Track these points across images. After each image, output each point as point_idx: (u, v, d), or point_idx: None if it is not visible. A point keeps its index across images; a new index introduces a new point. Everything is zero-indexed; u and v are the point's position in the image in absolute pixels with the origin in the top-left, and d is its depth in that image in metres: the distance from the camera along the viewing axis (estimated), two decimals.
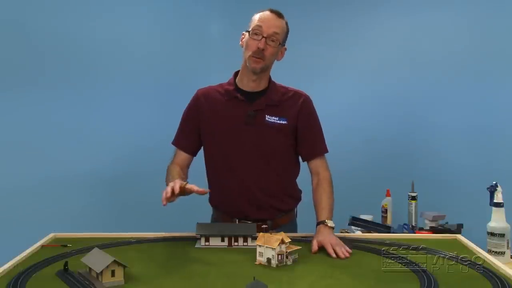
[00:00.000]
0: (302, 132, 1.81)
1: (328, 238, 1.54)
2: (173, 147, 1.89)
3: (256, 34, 1.71)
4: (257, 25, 1.72)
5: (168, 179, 1.72)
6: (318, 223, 1.65)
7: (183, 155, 1.86)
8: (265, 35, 1.70)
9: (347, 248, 1.50)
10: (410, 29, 2.79)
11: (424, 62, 2.76)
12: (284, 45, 1.80)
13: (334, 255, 1.47)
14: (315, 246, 1.52)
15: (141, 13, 2.78)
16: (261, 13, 1.75)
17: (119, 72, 2.70)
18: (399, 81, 2.78)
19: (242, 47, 1.78)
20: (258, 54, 1.71)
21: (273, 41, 1.72)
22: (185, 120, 1.87)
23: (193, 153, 1.88)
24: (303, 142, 1.82)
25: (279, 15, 1.76)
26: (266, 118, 1.76)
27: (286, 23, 1.79)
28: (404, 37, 2.80)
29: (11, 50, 2.59)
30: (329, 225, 1.61)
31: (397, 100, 2.80)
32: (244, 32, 1.78)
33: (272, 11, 1.75)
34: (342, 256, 1.46)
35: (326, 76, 2.81)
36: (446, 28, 2.74)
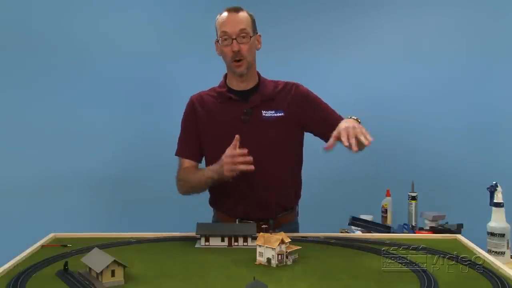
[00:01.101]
0: (315, 116, 1.80)
1: (350, 123, 1.50)
2: (176, 158, 1.87)
3: (225, 39, 1.73)
4: (222, 31, 1.73)
5: (197, 175, 1.76)
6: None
7: (189, 164, 1.84)
8: (234, 37, 1.71)
9: (368, 136, 1.46)
10: (410, 28, 2.79)
11: (424, 61, 2.76)
12: (256, 33, 1.80)
13: (346, 143, 1.44)
14: (330, 141, 1.48)
15: (141, 13, 2.78)
16: (220, 18, 1.76)
17: (118, 71, 2.70)
18: (399, 81, 2.78)
19: (220, 55, 1.80)
20: (236, 56, 1.72)
21: (243, 37, 1.72)
22: (185, 128, 1.87)
23: (199, 160, 1.87)
24: (322, 123, 1.78)
25: (237, 10, 1.75)
26: (263, 114, 1.77)
27: (248, 12, 1.78)
28: (404, 36, 2.80)
29: (9, 50, 2.59)
30: (353, 117, 1.59)
31: (397, 99, 2.80)
32: (216, 42, 1.80)
33: (229, 10, 1.75)
34: (366, 142, 1.44)
35: (326, 76, 2.81)
36: (446, 28, 2.74)
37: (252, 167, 1.56)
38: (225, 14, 1.75)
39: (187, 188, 1.83)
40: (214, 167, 1.67)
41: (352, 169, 2.78)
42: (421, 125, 2.80)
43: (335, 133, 1.50)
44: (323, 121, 1.79)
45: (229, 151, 1.60)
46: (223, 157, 1.60)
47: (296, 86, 1.84)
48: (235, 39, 1.71)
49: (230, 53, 1.73)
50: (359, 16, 2.84)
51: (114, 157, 2.70)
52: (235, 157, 1.57)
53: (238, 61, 1.73)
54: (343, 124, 1.51)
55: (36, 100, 2.62)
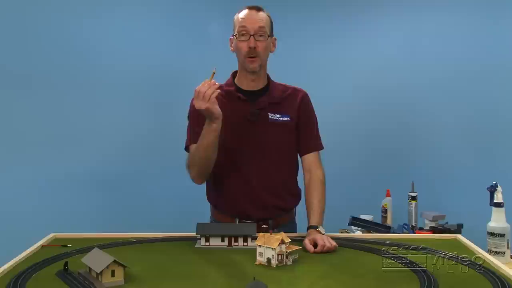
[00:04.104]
0: (299, 127, 1.82)
1: (319, 236, 1.56)
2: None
3: (243, 35, 1.72)
4: (241, 26, 1.72)
5: (199, 142, 1.69)
6: (310, 227, 1.66)
7: None
8: (252, 33, 1.70)
9: (334, 243, 1.52)
10: (412, 28, 2.79)
11: (424, 62, 2.77)
12: (272, 35, 1.80)
13: (316, 250, 1.49)
14: (309, 245, 1.52)
15: (140, 13, 2.78)
16: (240, 13, 1.75)
17: (118, 72, 2.70)
18: (400, 81, 2.79)
19: (234, 51, 1.79)
20: (252, 53, 1.71)
21: (261, 36, 1.72)
22: (194, 120, 1.82)
23: None
24: (299, 136, 1.83)
25: (258, 9, 1.75)
26: (269, 116, 1.77)
27: (268, 14, 1.78)
28: (405, 36, 2.80)
29: (8, 51, 2.59)
30: (321, 232, 1.62)
31: (397, 100, 2.80)
32: (231, 37, 1.79)
33: (250, 7, 1.75)
34: (325, 248, 1.49)
35: (326, 75, 2.81)
36: (447, 28, 2.75)
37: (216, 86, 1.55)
38: (245, 10, 1.75)
39: (198, 165, 1.73)
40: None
41: (352, 169, 2.79)
42: (421, 125, 2.80)
43: (309, 239, 1.55)
44: (302, 139, 1.83)
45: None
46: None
47: (303, 95, 1.85)
48: (253, 35, 1.71)
49: (246, 48, 1.71)
50: (360, 15, 2.85)
51: (114, 157, 2.70)
52: (199, 94, 1.54)
53: (253, 57, 1.72)
54: (315, 236, 1.56)
55: (36, 100, 2.62)
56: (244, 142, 1.75)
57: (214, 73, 1.57)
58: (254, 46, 1.70)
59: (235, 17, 1.76)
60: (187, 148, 1.82)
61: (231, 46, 1.80)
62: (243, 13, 1.75)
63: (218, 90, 1.57)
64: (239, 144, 1.75)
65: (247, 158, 1.76)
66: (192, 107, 1.85)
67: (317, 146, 1.85)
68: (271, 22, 1.79)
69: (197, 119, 1.80)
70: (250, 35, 1.70)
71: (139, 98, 2.75)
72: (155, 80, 2.78)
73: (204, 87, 1.56)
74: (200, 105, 1.56)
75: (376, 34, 2.83)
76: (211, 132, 1.63)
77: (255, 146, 1.76)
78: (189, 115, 1.85)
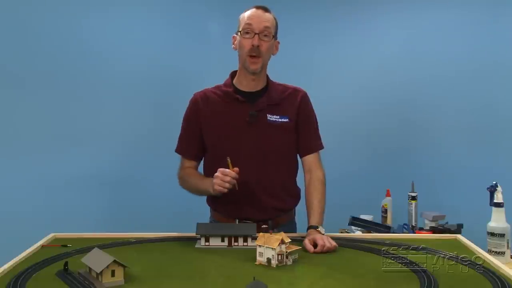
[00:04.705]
0: (299, 127, 1.82)
1: (319, 236, 1.56)
2: (177, 154, 1.88)
3: (247, 32, 1.71)
4: (247, 23, 1.71)
5: (197, 181, 1.80)
6: (310, 227, 1.66)
7: (189, 163, 1.86)
8: (257, 32, 1.70)
9: (334, 243, 1.52)
10: (411, 28, 2.79)
11: (424, 62, 2.77)
12: (276, 38, 1.80)
13: (317, 250, 1.49)
14: (308, 245, 1.52)
15: (140, 13, 2.78)
16: (248, 12, 1.75)
17: (118, 72, 2.70)
18: (400, 81, 2.79)
19: (236, 49, 1.78)
20: (254, 51, 1.71)
21: (266, 35, 1.72)
22: (186, 126, 1.85)
23: (199, 159, 1.87)
24: (298, 137, 1.83)
25: (265, 10, 1.75)
26: (268, 118, 1.77)
27: (274, 17, 1.78)
28: (405, 36, 2.80)
29: (10, 51, 2.58)
30: (321, 232, 1.62)
31: (397, 100, 2.80)
32: (234, 35, 1.78)
33: (258, 7, 1.75)
34: (325, 248, 1.49)
35: (327, 75, 2.81)
36: (447, 28, 2.75)
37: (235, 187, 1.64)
38: (253, 9, 1.75)
39: (186, 188, 1.85)
40: (210, 181, 1.68)
41: (352, 169, 2.79)
42: (421, 125, 2.80)
43: (309, 239, 1.55)
44: (303, 139, 1.84)
45: (222, 169, 1.64)
46: (217, 172, 1.64)
47: (303, 95, 1.84)
48: (258, 34, 1.70)
49: (249, 46, 1.70)
50: (359, 14, 2.85)
51: (114, 157, 2.70)
52: (226, 176, 1.61)
53: (255, 57, 1.72)
54: (315, 236, 1.56)
55: (35, 100, 2.61)
56: (243, 144, 1.75)
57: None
58: (258, 45, 1.70)
59: (241, 15, 1.76)
60: (178, 153, 1.88)
61: (233, 44, 1.79)
62: (250, 11, 1.75)
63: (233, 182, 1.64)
64: (238, 146, 1.75)
65: (246, 160, 1.75)
66: (188, 109, 1.85)
67: (317, 146, 1.85)
68: (277, 25, 1.78)
69: (189, 126, 1.84)
70: (255, 33, 1.70)
71: (139, 98, 2.75)
72: (155, 80, 2.78)
73: (229, 175, 1.62)
74: (215, 183, 1.64)
75: (376, 33, 2.83)
76: (204, 191, 1.77)
77: (253, 148, 1.75)
78: (184, 118, 1.87)
